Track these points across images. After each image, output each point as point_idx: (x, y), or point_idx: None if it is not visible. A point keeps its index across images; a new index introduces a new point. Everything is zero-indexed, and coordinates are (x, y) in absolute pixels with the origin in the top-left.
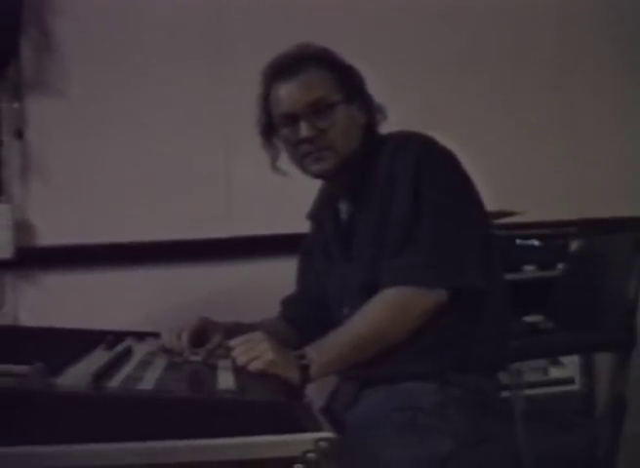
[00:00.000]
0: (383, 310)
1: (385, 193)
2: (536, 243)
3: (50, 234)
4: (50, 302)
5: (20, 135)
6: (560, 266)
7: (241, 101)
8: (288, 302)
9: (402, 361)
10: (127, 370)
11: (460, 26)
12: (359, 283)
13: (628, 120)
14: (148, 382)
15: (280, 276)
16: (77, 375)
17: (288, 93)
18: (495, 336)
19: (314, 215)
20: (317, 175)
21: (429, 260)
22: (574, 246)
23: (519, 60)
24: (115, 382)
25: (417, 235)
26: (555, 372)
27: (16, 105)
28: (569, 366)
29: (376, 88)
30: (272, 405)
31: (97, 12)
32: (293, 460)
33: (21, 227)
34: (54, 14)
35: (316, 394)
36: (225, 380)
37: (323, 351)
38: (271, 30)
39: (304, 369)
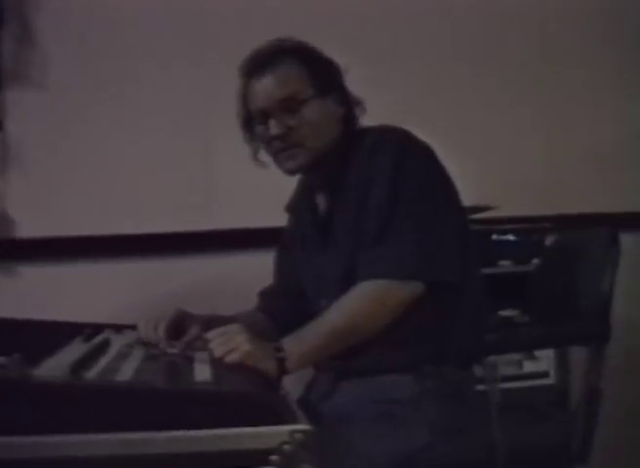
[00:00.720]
0: (360, 302)
1: (363, 186)
2: (511, 238)
3: (28, 226)
4: (28, 294)
5: None
6: (535, 261)
7: (221, 95)
8: (266, 294)
9: (378, 353)
10: (104, 361)
11: (443, 22)
12: (336, 274)
13: (604, 115)
14: (126, 374)
15: (259, 269)
16: (55, 366)
17: (260, 89)
18: (470, 330)
19: (292, 208)
20: (290, 172)
21: (406, 253)
22: (549, 240)
23: (497, 57)
24: (93, 373)
25: (393, 228)
26: (530, 366)
27: None
28: (543, 359)
29: (355, 83)
30: (248, 396)
31: (76, 5)
32: (269, 452)
33: (0, 219)
34: (34, 6)
35: (293, 385)
36: (202, 372)
37: (300, 343)
38: (253, 27)
39: (281, 361)
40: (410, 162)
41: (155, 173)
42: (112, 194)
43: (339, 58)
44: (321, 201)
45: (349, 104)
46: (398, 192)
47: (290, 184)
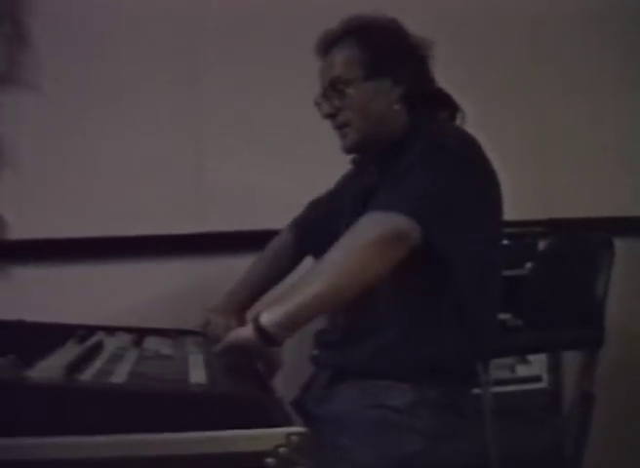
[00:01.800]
0: (351, 245)
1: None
2: (504, 242)
3: (20, 228)
4: (19, 296)
5: None
6: (528, 265)
7: (214, 98)
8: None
9: (376, 355)
10: (98, 363)
11: (438, 24)
12: None
13: (597, 120)
14: (120, 375)
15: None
16: (49, 368)
17: (320, 72)
18: (471, 346)
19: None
20: (345, 151)
21: (401, 200)
22: (542, 245)
23: (489, 59)
24: (87, 375)
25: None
26: (522, 370)
27: None
28: (536, 363)
29: None
30: (243, 398)
31: (70, 7)
32: (264, 454)
33: None
34: (27, 8)
35: (288, 386)
36: (197, 374)
37: (280, 303)
38: (247, 30)
39: (260, 329)
40: (454, 172)
41: (148, 175)
42: (105, 196)
43: None
44: (370, 179)
45: (413, 87)
46: (430, 187)
47: (281, 188)
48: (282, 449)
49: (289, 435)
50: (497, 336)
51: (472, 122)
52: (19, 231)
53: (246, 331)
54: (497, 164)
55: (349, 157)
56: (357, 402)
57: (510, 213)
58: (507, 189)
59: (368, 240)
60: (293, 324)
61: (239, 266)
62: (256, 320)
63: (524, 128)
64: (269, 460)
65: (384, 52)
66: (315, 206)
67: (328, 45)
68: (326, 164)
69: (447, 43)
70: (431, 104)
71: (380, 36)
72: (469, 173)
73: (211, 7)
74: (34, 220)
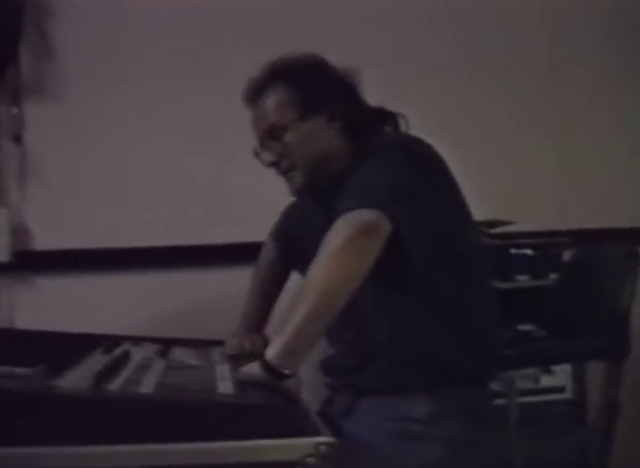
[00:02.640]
0: (327, 261)
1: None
2: (529, 252)
3: (46, 238)
4: (46, 306)
5: (18, 139)
6: (553, 276)
7: (237, 108)
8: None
9: (389, 373)
10: (126, 373)
11: (448, 29)
12: None
13: (622, 130)
14: (148, 385)
15: None
16: (78, 378)
17: (252, 122)
18: (481, 348)
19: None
20: (294, 195)
21: (373, 191)
22: (567, 255)
23: (508, 71)
24: (115, 385)
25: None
26: (546, 381)
27: (14, 110)
28: (560, 374)
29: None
30: (271, 408)
31: (96, 17)
32: (293, 464)
33: (18, 231)
34: (53, 19)
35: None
36: (225, 384)
37: (280, 337)
38: (270, 37)
39: (266, 364)
40: (402, 164)
41: (173, 186)
42: (130, 207)
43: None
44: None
45: (349, 118)
46: (382, 179)
47: None
48: (310, 459)
49: (317, 445)
50: (498, 336)
51: (496, 136)
52: (44, 242)
53: (255, 369)
54: (523, 175)
55: None
56: (377, 415)
57: (534, 223)
58: (531, 201)
59: (339, 244)
60: (296, 352)
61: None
62: (261, 357)
63: (548, 139)
64: None
65: (313, 90)
66: (289, 215)
67: (255, 93)
68: None
69: (460, 51)
70: (372, 125)
71: (306, 75)
72: (417, 163)
73: (235, 16)
74: (60, 231)
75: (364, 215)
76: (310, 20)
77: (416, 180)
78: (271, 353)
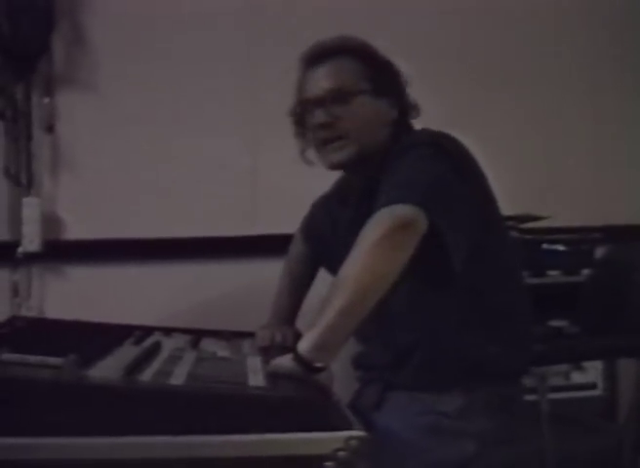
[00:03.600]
0: (363, 256)
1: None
2: (561, 248)
3: (77, 228)
4: (76, 295)
5: (50, 129)
6: (585, 272)
7: (268, 100)
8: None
9: (418, 370)
10: (157, 364)
11: (479, 26)
12: None
13: None
14: (179, 377)
15: None
16: (109, 368)
17: (314, 78)
18: (510, 345)
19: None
20: (332, 166)
21: (412, 189)
22: (600, 252)
23: (544, 66)
24: (146, 376)
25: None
26: (577, 377)
27: (46, 100)
28: (591, 371)
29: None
30: (303, 401)
31: (128, 7)
32: (323, 458)
33: (49, 220)
34: (86, 9)
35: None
36: (256, 377)
37: (312, 331)
38: (302, 31)
39: (299, 357)
40: (439, 161)
41: (202, 177)
42: (160, 198)
43: None
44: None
45: (404, 111)
46: (420, 175)
47: None
48: (341, 453)
49: (348, 439)
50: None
51: (530, 131)
52: (75, 231)
53: (286, 361)
54: (556, 170)
55: None
56: (407, 409)
57: (567, 219)
58: (563, 196)
59: (375, 239)
60: (328, 346)
61: None
62: (293, 349)
63: (581, 135)
64: (328, 464)
65: (384, 74)
66: (318, 210)
67: (324, 54)
68: None
69: (492, 46)
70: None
71: (378, 59)
72: (448, 159)
73: (270, 11)
74: (90, 221)
75: (401, 211)
76: (315, 17)
77: (448, 176)
78: (304, 346)
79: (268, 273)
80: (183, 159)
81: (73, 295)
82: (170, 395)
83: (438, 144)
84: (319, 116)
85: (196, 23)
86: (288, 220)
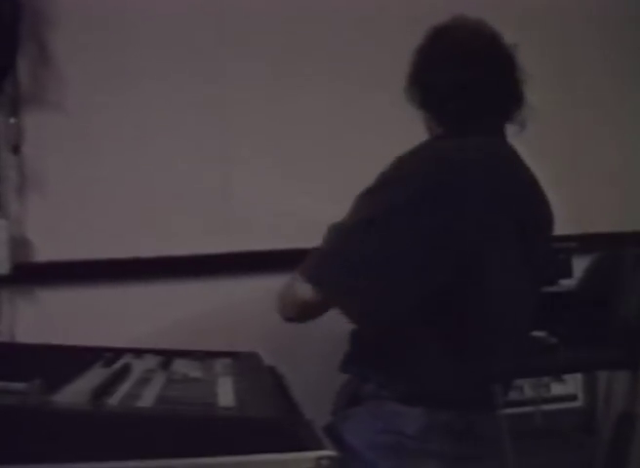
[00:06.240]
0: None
1: None
2: None
3: (47, 250)
4: (46, 319)
5: (16, 150)
6: (563, 282)
7: (241, 116)
8: None
9: (385, 380)
10: (125, 387)
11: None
12: None
13: (630, 132)
14: (147, 399)
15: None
16: (75, 392)
17: None
18: (483, 371)
19: None
20: None
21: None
22: (577, 261)
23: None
24: (114, 399)
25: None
26: (557, 389)
27: (12, 120)
28: (571, 382)
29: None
30: (273, 422)
31: (94, 26)
32: None
33: (18, 243)
34: (51, 28)
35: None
36: (225, 397)
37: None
38: (277, 51)
39: None
40: (396, 180)
41: (174, 194)
42: (131, 217)
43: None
44: None
45: (450, 128)
46: (361, 209)
47: (308, 206)
48: None
49: (319, 459)
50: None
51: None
52: (45, 253)
53: None
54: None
55: None
56: (373, 427)
57: None
58: None
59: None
60: None
61: (268, 286)
62: None
63: (557, 142)
64: None
65: (432, 90)
66: None
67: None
68: (354, 184)
69: None
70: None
71: (427, 75)
72: (405, 196)
73: (238, 26)
74: (60, 242)
75: (304, 293)
76: (318, 21)
77: (377, 224)
78: None
79: (240, 291)
80: (154, 177)
81: (45, 319)
82: (137, 418)
83: (397, 176)
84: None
85: (164, 41)
86: (262, 238)
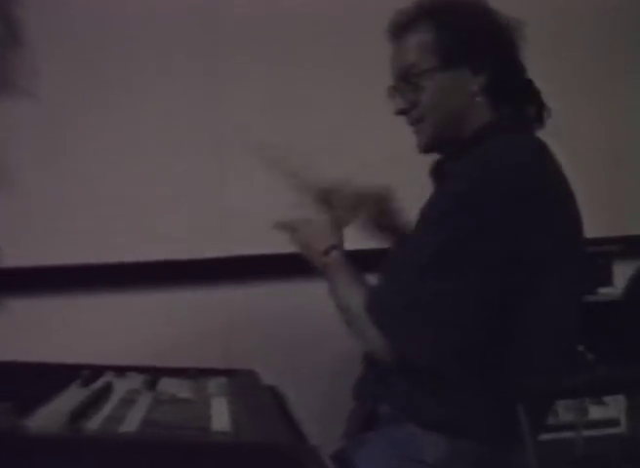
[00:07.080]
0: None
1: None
2: None
3: (14, 255)
4: (15, 331)
5: None
6: (602, 290)
7: (236, 118)
8: None
9: (407, 402)
10: (107, 409)
11: None
12: None
13: None
14: (132, 423)
15: (275, 297)
16: (50, 416)
17: (391, 59)
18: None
19: None
20: (419, 151)
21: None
22: (621, 267)
23: (555, 75)
24: (94, 423)
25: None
26: (596, 412)
27: None
28: (612, 405)
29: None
30: (273, 448)
31: (72, 4)
32: None
33: None
34: (22, 6)
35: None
36: (220, 420)
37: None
38: (272, 51)
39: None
40: (486, 205)
41: (159, 195)
42: (110, 219)
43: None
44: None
45: (497, 77)
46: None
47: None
48: None
49: None
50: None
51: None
52: (12, 259)
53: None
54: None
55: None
56: (389, 453)
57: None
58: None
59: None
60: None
61: (262, 290)
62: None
63: (597, 138)
64: None
65: (462, 35)
66: None
67: (400, 28)
68: (354, 184)
69: None
70: (519, 98)
71: (457, 17)
72: (474, 222)
73: (231, 25)
74: (29, 247)
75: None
76: (320, 19)
77: (453, 246)
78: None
79: (236, 296)
80: (139, 176)
81: (14, 330)
82: (119, 444)
83: (471, 193)
84: (397, 102)
85: (153, 19)
86: (256, 241)
